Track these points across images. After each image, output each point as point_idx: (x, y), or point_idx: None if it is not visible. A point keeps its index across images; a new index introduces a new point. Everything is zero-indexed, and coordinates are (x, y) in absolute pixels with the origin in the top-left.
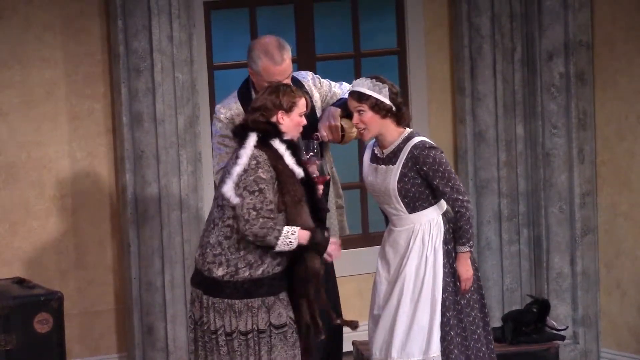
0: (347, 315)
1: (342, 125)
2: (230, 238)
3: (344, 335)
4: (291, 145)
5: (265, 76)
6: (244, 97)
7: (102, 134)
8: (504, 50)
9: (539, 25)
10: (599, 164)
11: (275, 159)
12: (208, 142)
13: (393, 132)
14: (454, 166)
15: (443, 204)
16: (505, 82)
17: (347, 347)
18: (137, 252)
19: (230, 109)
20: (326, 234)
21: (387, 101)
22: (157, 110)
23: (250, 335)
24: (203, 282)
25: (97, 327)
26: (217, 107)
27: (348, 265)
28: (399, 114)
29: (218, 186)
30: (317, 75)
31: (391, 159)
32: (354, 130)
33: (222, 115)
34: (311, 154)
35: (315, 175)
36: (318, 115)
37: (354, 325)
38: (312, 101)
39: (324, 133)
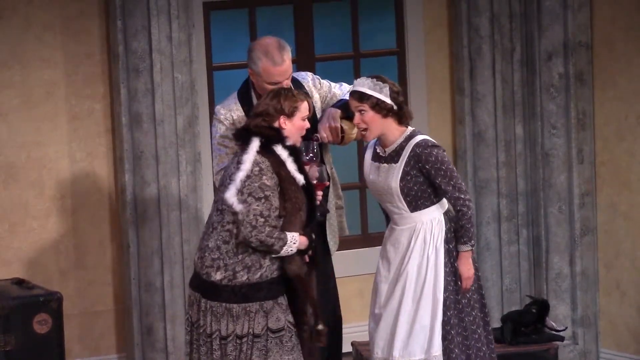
0: (347, 315)
1: (342, 127)
2: (229, 242)
3: (344, 336)
4: (293, 151)
5: (266, 77)
6: (244, 98)
7: (102, 135)
8: (504, 50)
9: (538, 25)
10: (598, 164)
11: (278, 165)
12: (207, 142)
13: (395, 131)
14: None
15: (445, 203)
16: (505, 82)
17: (346, 347)
18: (137, 252)
19: (230, 109)
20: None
21: (388, 100)
22: (156, 110)
23: (244, 339)
24: (201, 286)
25: (97, 328)
26: (217, 107)
27: (348, 265)
28: (401, 113)
29: (218, 190)
30: (317, 76)
31: (393, 157)
32: (354, 131)
33: (222, 116)
34: (311, 154)
35: (315, 182)
36: (318, 116)
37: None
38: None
39: (323, 134)
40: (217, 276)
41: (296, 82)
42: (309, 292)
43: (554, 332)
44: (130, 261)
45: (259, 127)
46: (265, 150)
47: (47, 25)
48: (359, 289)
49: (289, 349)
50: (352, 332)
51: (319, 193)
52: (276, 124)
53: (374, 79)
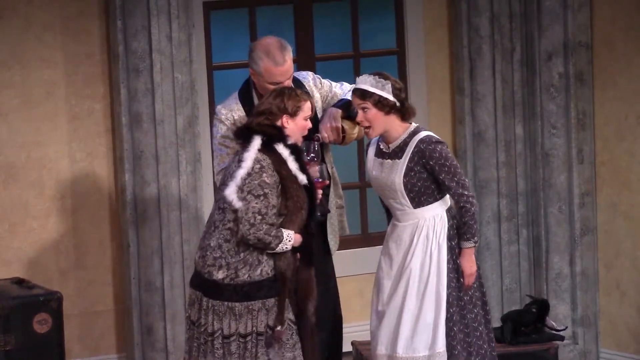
0: (347, 315)
1: (343, 127)
2: (230, 241)
3: (344, 336)
4: (295, 149)
5: (267, 77)
6: (245, 97)
7: (102, 135)
8: (503, 50)
9: (538, 25)
10: (598, 164)
11: (279, 163)
12: (207, 142)
13: (398, 128)
14: None
15: (447, 200)
16: (505, 82)
17: (346, 347)
18: (137, 252)
19: (231, 109)
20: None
21: (390, 97)
22: (156, 110)
23: (249, 338)
24: (203, 285)
25: (97, 327)
26: (218, 107)
27: (348, 265)
28: (403, 109)
29: (219, 188)
30: (318, 76)
31: (397, 153)
32: (355, 131)
33: (223, 116)
34: (312, 154)
35: (315, 180)
36: (319, 116)
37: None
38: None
39: (324, 134)
40: (220, 275)
41: (297, 82)
42: (285, 292)
43: (554, 332)
44: (130, 261)
45: (261, 126)
46: (267, 148)
47: (47, 25)
48: (359, 289)
49: (291, 347)
50: (352, 331)
51: (319, 192)
52: (278, 123)
53: (376, 76)
